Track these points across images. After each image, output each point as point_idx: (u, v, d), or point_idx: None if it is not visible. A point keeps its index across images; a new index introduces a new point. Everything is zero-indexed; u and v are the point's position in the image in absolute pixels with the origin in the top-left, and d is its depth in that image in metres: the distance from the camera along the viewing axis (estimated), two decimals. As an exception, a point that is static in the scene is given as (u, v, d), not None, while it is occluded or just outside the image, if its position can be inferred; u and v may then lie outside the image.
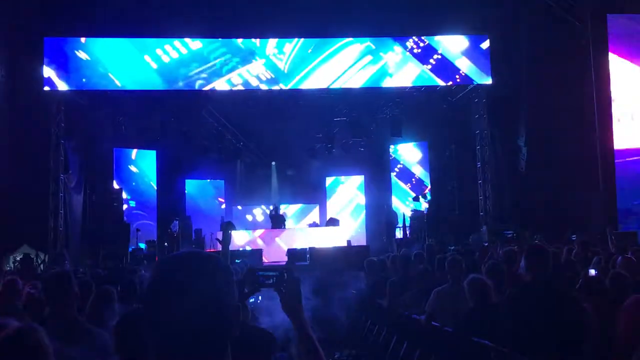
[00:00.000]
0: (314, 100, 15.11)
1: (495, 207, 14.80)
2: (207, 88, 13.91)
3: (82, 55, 13.45)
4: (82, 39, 13.57)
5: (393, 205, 16.66)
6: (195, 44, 13.81)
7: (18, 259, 11.49)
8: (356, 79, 14.19)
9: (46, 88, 13.19)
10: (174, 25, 13.32)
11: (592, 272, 4.96)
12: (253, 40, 14.07)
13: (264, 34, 14.02)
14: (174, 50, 13.74)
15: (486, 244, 10.40)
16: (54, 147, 13.65)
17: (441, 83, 14.35)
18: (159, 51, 13.65)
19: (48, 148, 13.55)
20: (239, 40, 14.08)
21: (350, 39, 14.21)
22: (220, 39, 13.96)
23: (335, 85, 14.18)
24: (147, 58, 13.62)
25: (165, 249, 14.00)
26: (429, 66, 14.22)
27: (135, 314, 2.07)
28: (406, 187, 17.03)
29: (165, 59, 13.69)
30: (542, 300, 3.58)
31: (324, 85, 14.19)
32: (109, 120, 14.85)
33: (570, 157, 13.38)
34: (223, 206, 17.42)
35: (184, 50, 13.77)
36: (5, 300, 4.20)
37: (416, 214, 15.10)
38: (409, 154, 17.25)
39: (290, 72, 13.99)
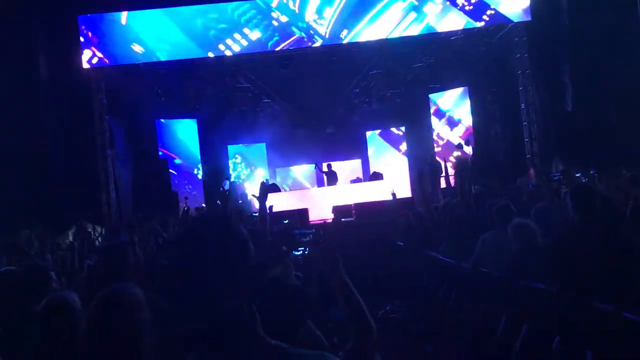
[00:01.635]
0: (348, 55, 14.89)
1: (542, 148, 14.42)
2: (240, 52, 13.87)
3: (115, 30, 13.58)
4: (112, 14, 13.67)
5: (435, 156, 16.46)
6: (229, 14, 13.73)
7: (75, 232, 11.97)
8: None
9: (85, 66, 13.43)
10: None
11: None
12: (291, 7, 13.82)
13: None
14: (210, 20, 13.71)
15: (530, 186, 10.19)
16: (98, 124, 14.01)
17: (480, 24, 13.85)
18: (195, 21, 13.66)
19: (93, 125, 13.91)
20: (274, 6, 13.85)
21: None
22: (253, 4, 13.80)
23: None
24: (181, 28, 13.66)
25: (218, 208, 14.28)
26: (470, 8, 13.72)
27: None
28: (451, 134, 16.76)
29: (200, 27, 13.68)
30: (591, 239, 3.51)
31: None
32: (148, 93, 15.09)
33: (619, 90, 12.80)
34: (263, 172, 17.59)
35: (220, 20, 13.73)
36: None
37: (460, 161, 14.86)
38: (450, 100, 16.89)
39: (332, 37, 13.75)
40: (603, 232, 3.60)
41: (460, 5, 13.75)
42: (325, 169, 15.73)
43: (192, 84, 15.52)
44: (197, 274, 1.20)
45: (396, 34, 13.76)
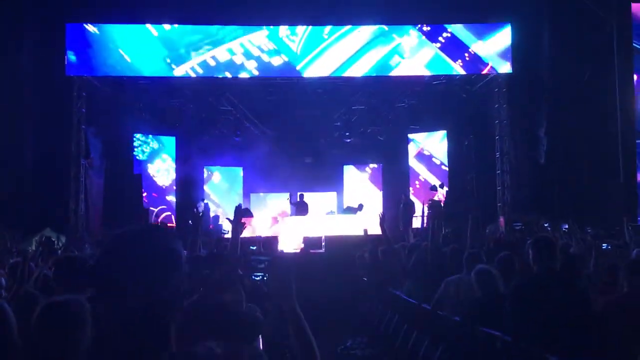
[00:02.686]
0: (333, 88, 15.13)
1: (513, 198, 14.69)
2: (224, 76, 13.99)
3: (102, 41, 13.60)
4: (101, 26, 13.71)
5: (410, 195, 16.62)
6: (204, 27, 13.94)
7: (41, 241, 11.72)
8: (367, 60, 14.07)
9: (68, 73, 13.38)
10: (185, 9, 13.47)
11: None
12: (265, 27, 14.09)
13: (275, 22, 14.00)
14: (186, 33, 13.87)
15: (501, 235, 10.34)
16: (75, 132, 13.88)
17: (459, 70, 14.22)
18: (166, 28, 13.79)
19: (69, 133, 13.78)
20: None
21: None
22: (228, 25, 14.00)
23: (350, 70, 14.08)
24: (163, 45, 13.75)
25: (189, 228, 14.14)
26: (443, 50, 14.13)
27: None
28: (427, 174, 16.98)
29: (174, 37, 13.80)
30: (548, 291, 3.58)
31: (336, 68, 14.07)
32: (129, 106, 15.03)
33: (591, 149, 13.20)
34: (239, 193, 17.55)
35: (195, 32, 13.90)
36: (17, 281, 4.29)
37: (434, 203, 15.03)
38: (429, 141, 17.19)
39: (303, 53, 13.97)
40: (561, 284, 3.67)
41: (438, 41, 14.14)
42: (298, 199, 15.70)
43: (175, 101, 15.55)
44: (116, 281, 1.16)
45: (369, 61, 14.03)
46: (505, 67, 14.13)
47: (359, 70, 14.11)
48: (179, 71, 13.76)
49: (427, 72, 14.23)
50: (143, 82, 14.32)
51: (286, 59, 13.94)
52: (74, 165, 13.87)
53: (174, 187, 16.68)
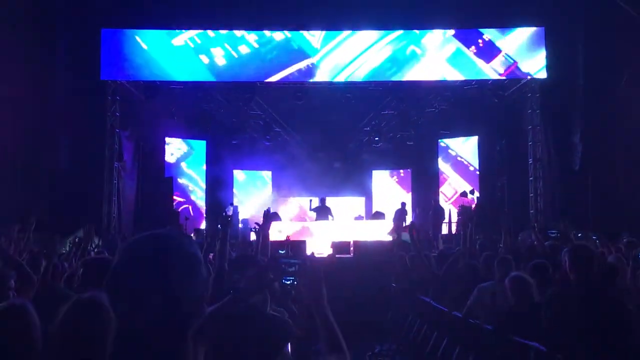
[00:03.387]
0: (363, 92, 15.09)
1: (546, 205, 14.41)
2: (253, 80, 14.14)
3: (135, 46, 13.85)
4: (135, 31, 13.96)
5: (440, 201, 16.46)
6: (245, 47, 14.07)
7: (74, 241, 11.94)
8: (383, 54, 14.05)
9: (102, 78, 13.65)
10: (224, 18, 13.63)
11: None
12: (305, 34, 14.14)
13: (312, 27, 14.07)
14: (227, 51, 14.03)
15: (535, 243, 10.12)
16: (109, 136, 14.13)
17: (494, 75, 14.03)
18: (213, 50, 13.95)
19: (103, 136, 14.03)
20: (287, 35, 14.14)
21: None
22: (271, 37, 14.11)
23: (368, 67, 14.08)
24: (201, 57, 13.95)
25: (218, 232, 14.25)
26: (480, 57, 13.96)
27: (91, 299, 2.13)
28: (458, 180, 16.81)
29: (220, 61, 13.97)
30: (584, 301, 3.48)
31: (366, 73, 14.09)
32: (161, 111, 15.25)
33: (627, 156, 12.86)
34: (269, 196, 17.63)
35: (237, 52, 14.05)
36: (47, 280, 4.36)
37: (464, 209, 14.84)
38: (461, 146, 17.01)
39: (335, 61, 14.02)
40: (598, 295, 3.57)
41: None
42: (318, 203, 15.63)
43: (206, 105, 15.73)
44: (131, 288, 1.11)
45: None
46: (539, 72, 13.90)
47: (376, 63, 14.10)
48: (208, 74, 13.96)
49: (449, 67, 14.04)
50: (175, 86, 14.52)
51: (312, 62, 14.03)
52: (108, 168, 14.10)
53: (204, 190, 16.89)
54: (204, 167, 17.11)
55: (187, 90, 14.77)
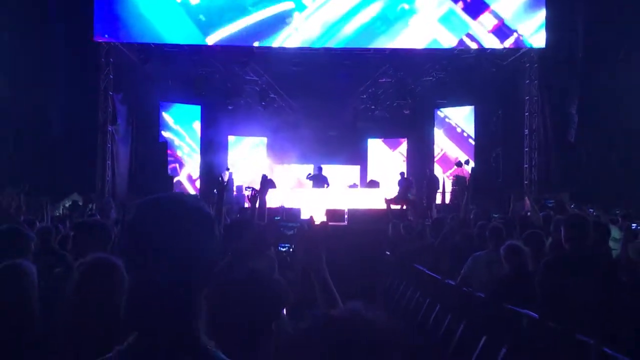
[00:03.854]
0: (360, 60, 14.91)
1: (541, 176, 14.45)
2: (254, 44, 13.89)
3: (130, 7, 13.56)
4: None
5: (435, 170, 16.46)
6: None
7: (67, 205, 11.93)
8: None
9: (95, 39, 13.39)
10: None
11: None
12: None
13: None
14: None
15: (528, 213, 10.17)
16: (102, 99, 13.96)
17: (493, 44, 13.85)
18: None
19: (97, 99, 13.86)
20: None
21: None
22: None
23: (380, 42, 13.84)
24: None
25: (214, 196, 14.25)
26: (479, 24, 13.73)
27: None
28: (453, 149, 16.77)
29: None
30: (579, 270, 3.50)
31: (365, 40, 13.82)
32: (155, 74, 15.04)
33: (623, 128, 12.86)
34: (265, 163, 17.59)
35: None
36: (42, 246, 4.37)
37: (458, 179, 14.87)
38: (457, 116, 16.92)
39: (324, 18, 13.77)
40: (592, 264, 3.59)
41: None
42: (315, 171, 15.61)
43: (201, 70, 15.52)
44: (148, 247, 1.11)
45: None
46: (534, 35, 13.71)
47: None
48: (209, 39, 13.69)
49: (441, 28, 13.83)
50: (169, 49, 14.29)
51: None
52: (101, 131, 13.98)
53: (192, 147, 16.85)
54: (195, 125, 16.93)
55: (182, 53, 14.55)
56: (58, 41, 13.04)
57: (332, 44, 13.93)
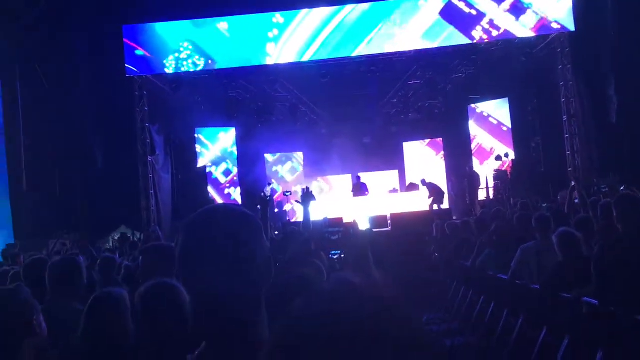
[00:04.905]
0: (387, 65, 14.89)
1: (584, 161, 14.05)
2: (276, 62, 14.04)
3: (157, 39, 13.91)
4: (155, 24, 14.01)
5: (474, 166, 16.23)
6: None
7: (116, 238, 12.24)
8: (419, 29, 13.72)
9: (128, 74, 13.78)
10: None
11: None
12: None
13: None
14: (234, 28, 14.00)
15: (576, 200, 9.92)
16: (139, 131, 14.32)
17: (522, 33, 13.62)
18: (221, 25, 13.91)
19: (135, 132, 14.23)
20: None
21: None
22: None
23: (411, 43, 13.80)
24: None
25: (257, 212, 14.41)
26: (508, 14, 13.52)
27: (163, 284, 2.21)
28: (491, 144, 16.51)
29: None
30: (634, 249, 3.39)
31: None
32: (187, 102, 15.35)
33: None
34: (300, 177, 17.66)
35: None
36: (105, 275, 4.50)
37: (499, 173, 14.64)
38: (492, 109, 16.67)
39: (356, 34, 13.80)
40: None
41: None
42: (354, 181, 15.71)
43: (231, 92, 15.78)
44: (204, 260, 1.14)
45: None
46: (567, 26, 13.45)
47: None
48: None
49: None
50: (199, 76, 14.57)
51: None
52: (142, 163, 14.32)
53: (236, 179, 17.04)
54: (232, 147, 17.19)
55: (211, 78, 14.81)
56: (90, 80, 13.45)
57: (352, 52, 13.96)
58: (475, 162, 16.46)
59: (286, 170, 17.97)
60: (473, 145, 16.89)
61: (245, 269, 1.14)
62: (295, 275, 1.75)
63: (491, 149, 15.83)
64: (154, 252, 3.33)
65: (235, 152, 17.21)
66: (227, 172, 17.12)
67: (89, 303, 2.49)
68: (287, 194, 15.51)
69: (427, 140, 17.98)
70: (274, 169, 17.89)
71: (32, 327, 1.93)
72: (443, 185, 16.86)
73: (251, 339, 1.13)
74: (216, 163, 16.98)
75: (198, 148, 16.65)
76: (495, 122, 16.46)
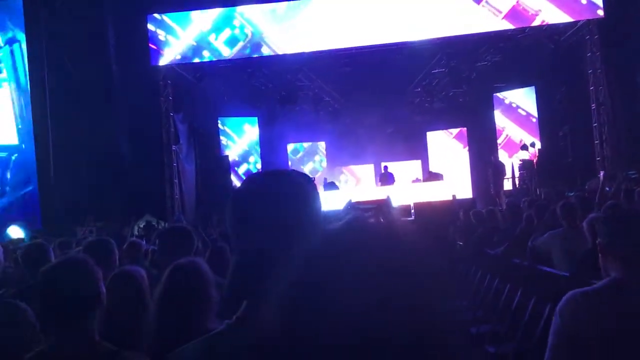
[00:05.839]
0: (411, 53, 14.73)
1: (613, 151, 13.77)
2: (303, 50, 14.00)
3: (180, 30, 13.98)
4: (181, 14, 14.07)
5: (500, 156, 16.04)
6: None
7: (142, 226, 12.40)
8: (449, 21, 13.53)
9: (153, 64, 13.88)
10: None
11: None
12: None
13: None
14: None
15: (607, 189, 9.74)
16: (164, 120, 14.44)
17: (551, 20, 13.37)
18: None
19: (159, 121, 14.36)
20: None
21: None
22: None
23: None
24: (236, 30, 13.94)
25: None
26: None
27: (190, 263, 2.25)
28: (517, 132, 16.29)
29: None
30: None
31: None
32: (211, 91, 15.42)
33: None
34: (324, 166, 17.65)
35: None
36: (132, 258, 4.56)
37: (525, 163, 14.43)
38: (518, 97, 16.42)
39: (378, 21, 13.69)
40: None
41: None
42: (382, 170, 15.66)
43: (254, 82, 15.79)
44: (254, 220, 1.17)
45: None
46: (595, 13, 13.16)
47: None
48: (255, 50, 13.96)
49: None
50: (223, 65, 14.61)
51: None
52: (166, 152, 14.45)
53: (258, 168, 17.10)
54: (255, 137, 17.21)
55: (235, 67, 14.84)
56: (117, 69, 13.60)
57: (377, 40, 13.86)
58: (504, 154, 16.23)
59: (309, 170, 17.90)
60: (502, 138, 16.66)
61: (286, 235, 1.14)
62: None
63: (520, 141, 15.59)
64: (170, 235, 3.37)
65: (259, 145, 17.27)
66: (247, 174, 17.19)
67: (109, 279, 2.52)
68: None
69: (453, 132, 17.77)
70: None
71: (101, 296, 1.94)
72: (467, 175, 16.71)
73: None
74: (243, 157, 17.06)
75: (224, 140, 16.73)
76: (524, 113, 16.21)
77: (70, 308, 1.85)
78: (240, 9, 13.98)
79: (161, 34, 13.91)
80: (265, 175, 1.29)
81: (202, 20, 14.01)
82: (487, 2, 13.39)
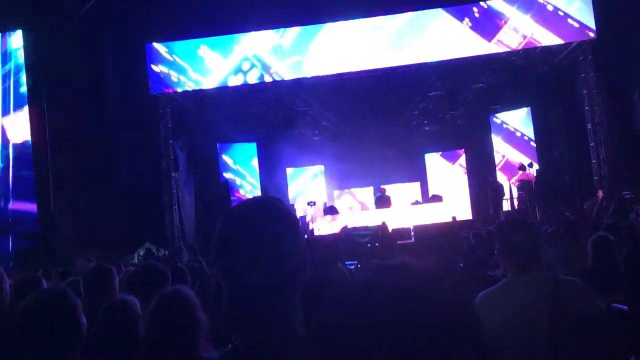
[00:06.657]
0: (407, 76, 14.89)
1: (611, 170, 13.82)
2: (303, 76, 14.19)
3: (179, 59, 14.14)
4: (180, 42, 14.25)
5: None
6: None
7: (142, 254, 12.37)
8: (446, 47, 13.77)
9: (152, 92, 14.00)
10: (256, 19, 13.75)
11: None
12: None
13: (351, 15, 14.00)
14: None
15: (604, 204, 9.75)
16: (164, 147, 14.50)
17: (545, 41, 13.55)
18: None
19: (159, 148, 14.41)
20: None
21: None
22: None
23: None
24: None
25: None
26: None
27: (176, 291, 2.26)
28: (514, 154, 16.36)
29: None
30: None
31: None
32: (210, 118, 15.52)
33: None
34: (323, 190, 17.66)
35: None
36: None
37: (524, 183, 14.47)
38: (514, 119, 16.54)
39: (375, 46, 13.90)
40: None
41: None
42: (376, 193, 15.69)
43: (253, 108, 15.90)
44: (243, 244, 1.14)
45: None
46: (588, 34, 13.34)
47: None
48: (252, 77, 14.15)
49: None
50: (221, 92, 14.73)
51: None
52: (166, 179, 14.48)
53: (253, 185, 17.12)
54: (254, 163, 17.27)
55: (234, 94, 14.97)
56: (116, 97, 13.70)
57: (374, 65, 14.05)
58: (502, 177, 16.27)
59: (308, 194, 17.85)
60: (499, 159, 16.73)
61: (276, 269, 1.13)
62: (324, 273, 1.76)
63: (519, 163, 15.68)
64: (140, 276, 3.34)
65: (257, 169, 17.31)
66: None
67: (103, 308, 2.53)
68: (311, 204, 15.48)
69: (451, 157, 17.87)
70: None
71: (81, 326, 1.95)
72: (466, 196, 16.73)
73: (285, 333, 1.12)
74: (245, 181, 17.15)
75: (230, 162, 16.84)
76: (519, 134, 16.32)
77: (50, 339, 1.87)
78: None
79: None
80: (247, 209, 1.24)
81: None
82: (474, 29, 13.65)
